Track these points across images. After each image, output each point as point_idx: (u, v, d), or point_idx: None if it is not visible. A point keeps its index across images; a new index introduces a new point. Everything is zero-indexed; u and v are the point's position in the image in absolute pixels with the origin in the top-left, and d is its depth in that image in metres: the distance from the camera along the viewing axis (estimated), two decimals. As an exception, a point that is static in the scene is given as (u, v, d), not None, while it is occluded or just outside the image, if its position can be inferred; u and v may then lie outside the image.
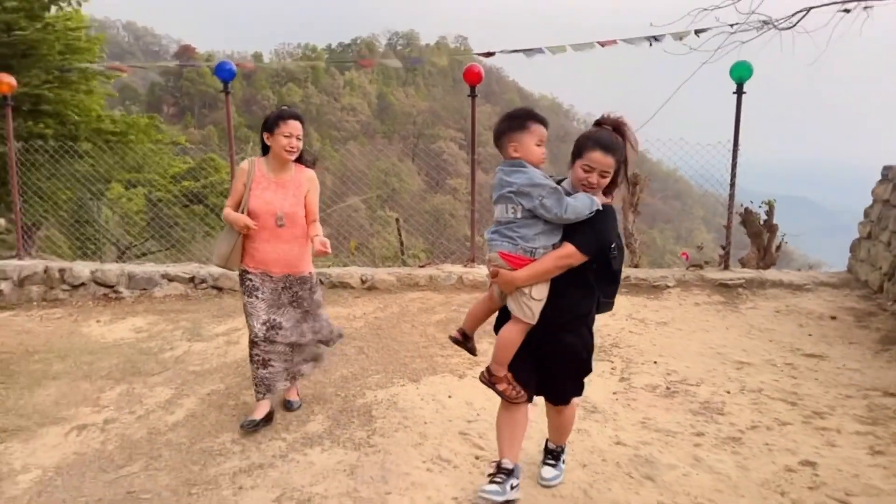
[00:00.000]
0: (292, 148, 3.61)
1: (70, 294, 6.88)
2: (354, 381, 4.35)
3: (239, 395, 4.17)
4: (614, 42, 7.50)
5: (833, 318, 5.51)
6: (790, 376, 4.33)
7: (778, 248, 8.03)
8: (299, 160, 3.74)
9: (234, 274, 4.01)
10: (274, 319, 3.66)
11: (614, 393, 4.08)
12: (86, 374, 4.61)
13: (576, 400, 2.98)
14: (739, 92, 6.54)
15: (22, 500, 3.02)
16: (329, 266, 7.39)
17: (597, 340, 2.90)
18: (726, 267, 6.92)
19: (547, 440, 3.14)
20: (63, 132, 9.01)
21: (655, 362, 4.60)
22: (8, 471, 3.27)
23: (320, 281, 6.84)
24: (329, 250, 3.55)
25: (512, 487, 2.79)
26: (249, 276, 3.67)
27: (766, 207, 8.16)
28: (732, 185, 6.74)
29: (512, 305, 2.74)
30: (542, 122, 2.70)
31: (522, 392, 2.82)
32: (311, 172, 3.80)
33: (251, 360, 3.69)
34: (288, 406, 3.90)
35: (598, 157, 2.61)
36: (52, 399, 4.16)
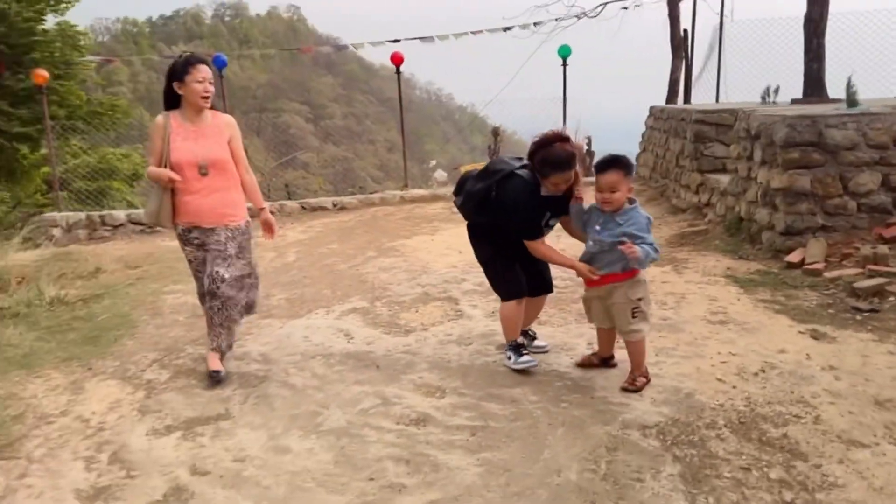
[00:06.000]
0: (207, 92, 3.54)
1: (112, 233, 9.26)
2: (374, 241, 7.57)
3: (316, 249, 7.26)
4: (481, 32, 11.09)
5: (624, 194, 9.63)
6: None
7: (592, 164, 12.32)
8: (212, 106, 3.68)
9: None
10: (217, 272, 3.60)
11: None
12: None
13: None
14: (564, 64, 10.43)
15: (293, 262, 6.32)
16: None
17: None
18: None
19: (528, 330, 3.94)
20: (67, 114, 10.86)
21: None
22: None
23: (302, 207, 9.93)
24: (274, 233, 3.89)
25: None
26: (181, 232, 3.69)
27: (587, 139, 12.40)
28: (564, 122, 10.69)
29: (622, 321, 3.11)
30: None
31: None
32: (228, 118, 3.76)
33: (205, 313, 3.77)
34: (214, 377, 3.65)
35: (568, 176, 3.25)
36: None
